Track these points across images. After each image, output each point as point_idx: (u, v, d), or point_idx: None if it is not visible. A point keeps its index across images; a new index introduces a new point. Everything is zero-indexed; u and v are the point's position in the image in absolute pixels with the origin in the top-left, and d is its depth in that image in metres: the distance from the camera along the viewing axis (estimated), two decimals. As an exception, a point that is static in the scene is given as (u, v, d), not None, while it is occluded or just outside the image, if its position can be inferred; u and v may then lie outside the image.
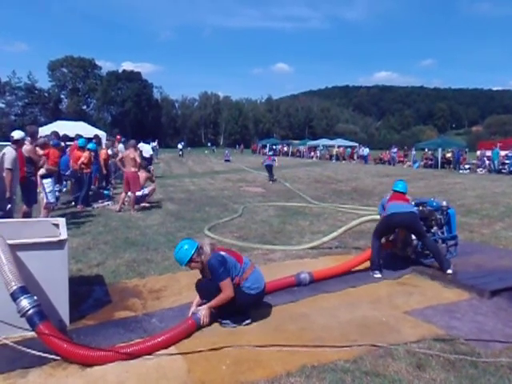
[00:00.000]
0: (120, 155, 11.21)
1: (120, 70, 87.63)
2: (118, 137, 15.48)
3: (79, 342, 3.38)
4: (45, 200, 8.07)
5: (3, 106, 69.16)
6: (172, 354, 3.28)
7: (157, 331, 3.64)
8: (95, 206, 10.37)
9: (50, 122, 23.93)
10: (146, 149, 20.38)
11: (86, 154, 10.28)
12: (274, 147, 54.72)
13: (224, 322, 3.83)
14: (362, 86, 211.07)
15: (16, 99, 70.12)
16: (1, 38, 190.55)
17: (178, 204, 11.18)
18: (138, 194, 10.75)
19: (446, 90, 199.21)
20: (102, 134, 18.97)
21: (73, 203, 10.45)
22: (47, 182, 8.21)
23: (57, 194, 8.91)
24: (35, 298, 3.24)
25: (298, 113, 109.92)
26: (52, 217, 8.70)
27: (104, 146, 14.05)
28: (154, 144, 35.46)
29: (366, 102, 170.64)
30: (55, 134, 10.89)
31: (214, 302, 3.74)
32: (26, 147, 7.33)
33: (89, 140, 11.83)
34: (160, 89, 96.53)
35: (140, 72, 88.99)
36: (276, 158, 26.36)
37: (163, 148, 59.09)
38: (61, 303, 3.74)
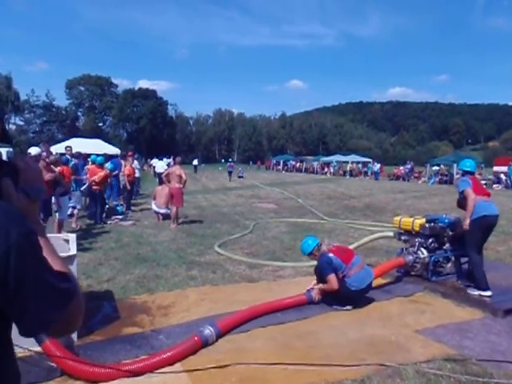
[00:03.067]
0: (166, 171, 11.42)
1: (136, 88, 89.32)
2: (130, 153, 15.65)
3: (86, 358, 3.39)
4: (57, 216, 8.19)
5: (22, 123, 70.90)
6: (177, 372, 3.26)
7: (164, 348, 3.62)
8: (108, 222, 10.48)
9: (67, 139, 24.38)
10: (160, 165, 20.68)
11: (102, 173, 10.36)
12: (288, 163, 54.95)
13: (332, 304, 4.72)
14: (376, 101, 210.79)
15: (34, 117, 71.81)
16: (22, 57, 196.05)
17: (190, 220, 11.22)
18: (164, 211, 10.90)
19: (461, 105, 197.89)
20: (116, 152, 19.30)
21: (87, 220, 10.57)
22: (64, 199, 8.35)
23: (70, 210, 9.03)
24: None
25: (311, 129, 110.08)
26: (67, 232, 8.86)
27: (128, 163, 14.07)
28: (169, 160, 35.83)
29: (380, 118, 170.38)
30: (68, 149, 11.06)
31: (323, 287, 4.72)
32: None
33: (109, 158, 11.95)
34: (175, 106, 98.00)
35: (155, 90, 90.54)
36: (240, 168, 37.44)
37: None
38: (69, 319, 3.76)
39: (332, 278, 4.62)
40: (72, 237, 4.55)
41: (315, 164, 49.40)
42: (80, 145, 18.47)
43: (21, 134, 66.83)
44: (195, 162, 42.97)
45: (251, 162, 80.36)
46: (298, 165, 53.25)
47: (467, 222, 5.05)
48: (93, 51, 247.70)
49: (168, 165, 30.86)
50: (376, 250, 7.71)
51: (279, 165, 56.09)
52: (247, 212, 13.28)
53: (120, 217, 11.13)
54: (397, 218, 6.00)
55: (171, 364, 3.36)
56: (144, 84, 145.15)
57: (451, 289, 5.31)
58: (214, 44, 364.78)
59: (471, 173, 5.35)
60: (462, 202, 5.27)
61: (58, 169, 8.21)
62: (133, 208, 13.32)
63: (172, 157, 37.94)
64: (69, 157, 10.33)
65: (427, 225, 5.55)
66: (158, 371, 3.25)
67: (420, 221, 5.61)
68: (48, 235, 3.68)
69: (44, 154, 7.69)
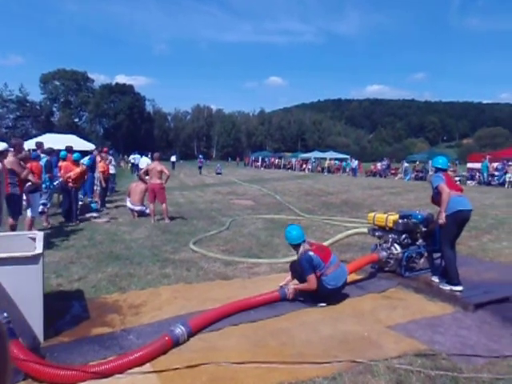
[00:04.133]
0: (145, 167, 11.22)
1: (113, 83, 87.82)
2: (105, 149, 15.35)
3: (52, 360, 3.28)
4: (28, 214, 7.96)
5: (-6, 118, 68.85)
6: (146, 372, 3.18)
7: (133, 348, 3.54)
8: (82, 219, 10.23)
9: (41, 135, 23.78)
10: (144, 161, 20.52)
11: (79, 169, 10.09)
12: (266, 159, 54.98)
13: (305, 301, 4.71)
14: (354, 99, 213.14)
15: (7, 112, 69.68)
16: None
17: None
18: (138, 208, 10.72)
19: (437, 103, 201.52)
20: (91, 147, 18.93)
21: (62, 218, 10.29)
22: (34, 196, 8.11)
23: (41, 207, 8.77)
24: (5, 314, 3.14)
25: (290, 126, 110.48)
26: (40, 230, 8.61)
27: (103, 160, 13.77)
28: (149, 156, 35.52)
29: (358, 115, 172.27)
30: (38, 145, 10.74)
31: (299, 287, 4.74)
32: (9, 159, 7.23)
33: (84, 155, 11.65)
34: (153, 102, 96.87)
35: (133, 85, 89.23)
36: (218, 164, 39.71)
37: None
38: (35, 320, 3.64)
39: (312, 278, 4.62)
40: (39, 235, 4.41)
41: (293, 160, 49.58)
42: (53, 140, 18.05)
43: (-7, 129, 64.94)
44: (173, 158, 42.53)
45: (230, 159, 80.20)
46: (276, 161, 53.38)
47: (443, 215, 5.09)
48: (70, 45, 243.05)
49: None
50: (351, 246, 7.75)
51: (258, 161, 56.09)
52: (224, 209, 13.20)
53: (94, 214, 10.90)
54: (371, 214, 6.03)
55: (140, 365, 3.28)
56: (121, 79, 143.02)
57: (424, 284, 5.37)
58: (194, 40, 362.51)
59: (444, 170, 5.41)
60: (436, 198, 5.33)
61: (27, 165, 7.96)
62: (108, 205, 13.06)
63: (150, 153, 37.74)
64: (39, 153, 10.03)
65: (400, 221, 5.59)
66: (126, 372, 3.17)
67: (393, 217, 5.65)
68: (13, 233, 3.53)
69: (11, 149, 7.43)
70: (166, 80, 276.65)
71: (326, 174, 39.82)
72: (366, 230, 6.22)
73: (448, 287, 5.06)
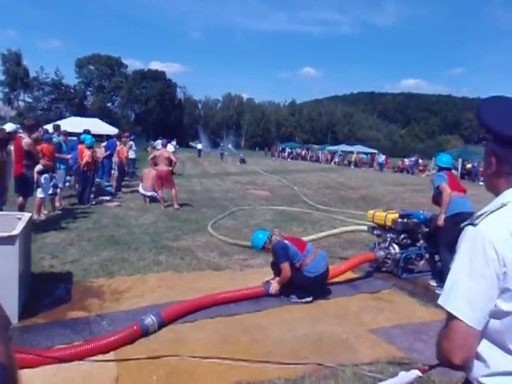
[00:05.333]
0: (152, 154, 11.30)
1: (146, 69, 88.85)
2: (126, 134, 15.50)
3: (19, 342, 3.29)
4: (37, 195, 8.10)
5: (30, 100, 70.93)
6: (106, 361, 3.15)
7: (103, 334, 3.52)
8: (94, 202, 10.36)
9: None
10: (168, 147, 20.58)
11: (88, 152, 10.20)
12: (293, 151, 54.53)
13: (291, 296, 4.56)
14: (388, 92, 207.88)
15: (43, 94, 71.83)
16: (37, 34, 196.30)
17: (178, 203, 11.09)
18: (150, 194, 10.80)
19: (475, 99, 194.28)
20: (115, 132, 19.16)
21: (76, 200, 10.46)
22: (44, 177, 8.24)
23: (52, 189, 8.91)
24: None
25: (320, 117, 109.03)
26: (48, 211, 8.78)
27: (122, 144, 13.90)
28: (174, 143, 35.82)
29: (392, 109, 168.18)
30: (56, 127, 10.92)
31: (279, 279, 4.59)
32: (26, 141, 7.34)
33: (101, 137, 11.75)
34: (183, 89, 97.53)
35: (165, 71, 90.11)
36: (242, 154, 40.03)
37: (184, 148, 59.41)
38: (9, 300, 3.64)
39: (286, 265, 4.50)
40: (26, 216, 4.44)
41: (320, 153, 48.94)
42: (78, 124, 18.41)
43: (29, 110, 66.96)
44: (199, 146, 42.70)
45: (258, 148, 79.98)
46: (303, 153, 52.83)
47: (442, 217, 4.86)
48: (106, 31, 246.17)
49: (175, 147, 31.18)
50: (356, 242, 7.52)
51: (284, 152, 55.70)
52: (238, 198, 13.13)
53: (107, 198, 11.03)
54: (370, 212, 5.82)
55: (105, 352, 3.25)
56: (156, 66, 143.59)
57: (420, 287, 5.16)
58: (228, 28, 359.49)
59: (448, 168, 5.14)
60: (437, 198, 5.08)
61: (38, 147, 8.09)
62: (124, 189, 13.22)
63: (175, 140, 38.12)
64: (55, 136, 10.17)
65: (400, 220, 5.36)
66: (87, 359, 3.14)
67: (393, 215, 5.43)
68: (2, 213, 3.46)
69: (21, 130, 7.56)
70: (200, 67, 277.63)
71: (352, 167, 39.14)
72: (365, 227, 6.01)
73: None
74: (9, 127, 6.91)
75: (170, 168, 10.27)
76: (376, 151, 43.73)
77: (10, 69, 66.31)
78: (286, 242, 4.63)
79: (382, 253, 5.45)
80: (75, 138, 12.66)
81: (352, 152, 44.33)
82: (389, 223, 5.42)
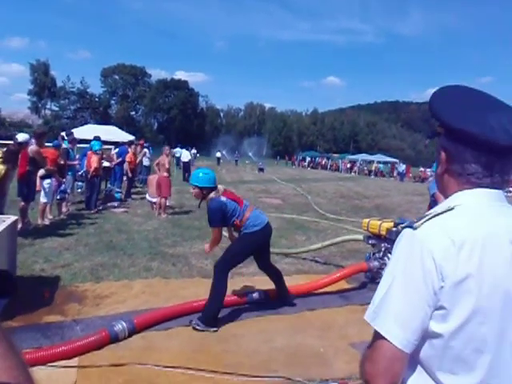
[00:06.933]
0: (156, 160, 11.38)
1: (169, 79, 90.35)
2: (142, 142, 15.63)
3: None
4: (41, 200, 8.20)
5: (57, 109, 73.01)
6: (67, 366, 3.08)
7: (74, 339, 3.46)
8: (101, 207, 10.45)
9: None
10: (185, 154, 20.78)
11: (96, 158, 10.29)
12: (314, 159, 54.24)
13: (195, 322, 3.89)
14: (413, 101, 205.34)
15: (69, 103, 73.87)
16: (67, 46, 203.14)
17: (184, 210, 11.09)
18: (155, 200, 10.83)
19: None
20: (130, 139, 19.38)
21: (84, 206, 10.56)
22: (46, 182, 8.34)
23: (60, 194, 9.02)
24: None
25: (343, 126, 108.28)
26: (53, 216, 8.88)
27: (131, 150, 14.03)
28: (194, 151, 36.15)
29: (416, 119, 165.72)
30: (68, 133, 11.10)
31: (210, 243, 4.39)
32: (32, 148, 7.48)
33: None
34: (206, 98, 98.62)
35: (187, 81, 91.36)
36: (260, 162, 37.86)
37: (204, 156, 59.86)
38: (-16, 303, 3.65)
39: (217, 230, 4.23)
40: (11, 219, 4.46)
41: (340, 162, 48.53)
42: (94, 131, 18.70)
43: (55, 119, 68.86)
44: (218, 154, 42.79)
45: (279, 157, 79.98)
46: (323, 162, 52.51)
47: None
48: (133, 41, 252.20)
49: (194, 155, 31.52)
50: (358, 252, 7.30)
51: (305, 161, 55.47)
52: (248, 206, 13.01)
53: (115, 203, 11.11)
54: (365, 220, 5.63)
55: (70, 358, 3.19)
56: (181, 75, 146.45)
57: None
58: (252, 38, 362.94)
59: None
60: (433, 206, 4.85)
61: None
62: (134, 196, 13.30)
63: (194, 148, 38.36)
64: (63, 143, 10.30)
65: (394, 229, 5.15)
66: (49, 364, 3.08)
67: (387, 224, 5.23)
68: None
69: (33, 140, 7.70)
70: (222, 76, 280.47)
71: (372, 177, 38.62)
72: (361, 236, 5.82)
73: None
74: (21, 137, 7.00)
75: (167, 174, 10.25)
76: (397, 160, 43.09)
77: (38, 78, 68.44)
78: (223, 198, 4.19)
79: (376, 263, 5.24)
80: (87, 145, 12.85)
81: (372, 161, 43.81)
82: (383, 232, 5.22)
